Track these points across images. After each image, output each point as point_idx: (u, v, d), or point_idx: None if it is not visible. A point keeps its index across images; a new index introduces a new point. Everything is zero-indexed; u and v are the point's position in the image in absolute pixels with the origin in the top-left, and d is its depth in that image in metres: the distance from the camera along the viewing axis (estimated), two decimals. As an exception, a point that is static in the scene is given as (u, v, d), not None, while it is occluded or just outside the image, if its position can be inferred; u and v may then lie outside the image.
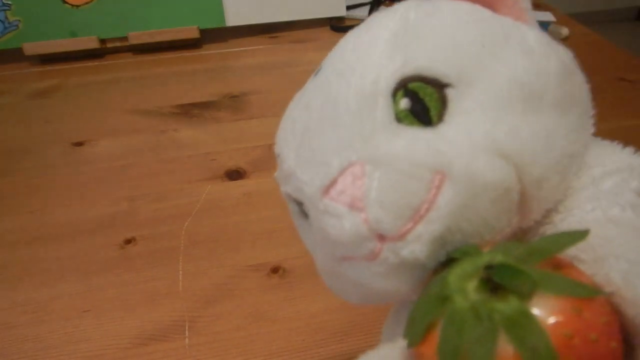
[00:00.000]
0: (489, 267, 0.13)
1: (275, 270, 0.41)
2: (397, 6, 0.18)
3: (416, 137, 0.15)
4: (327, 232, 0.16)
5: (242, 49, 0.79)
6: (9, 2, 0.73)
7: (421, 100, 0.16)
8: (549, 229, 0.17)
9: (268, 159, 0.54)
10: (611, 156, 0.18)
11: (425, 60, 0.16)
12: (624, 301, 0.13)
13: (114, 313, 0.38)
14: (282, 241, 0.44)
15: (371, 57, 0.17)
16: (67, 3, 0.75)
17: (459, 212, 0.15)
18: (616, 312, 0.13)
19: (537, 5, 0.91)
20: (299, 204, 0.19)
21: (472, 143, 0.15)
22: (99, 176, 0.53)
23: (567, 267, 0.14)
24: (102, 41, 0.77)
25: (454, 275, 0.14)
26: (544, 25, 0.79)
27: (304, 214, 0.19)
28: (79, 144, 0.58)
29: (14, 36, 0.75)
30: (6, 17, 0.74)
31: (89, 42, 0.76)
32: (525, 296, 0.12)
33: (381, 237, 0.15)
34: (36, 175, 0.53)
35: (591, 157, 0.18)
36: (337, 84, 0.17)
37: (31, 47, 0.75)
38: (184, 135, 0.59)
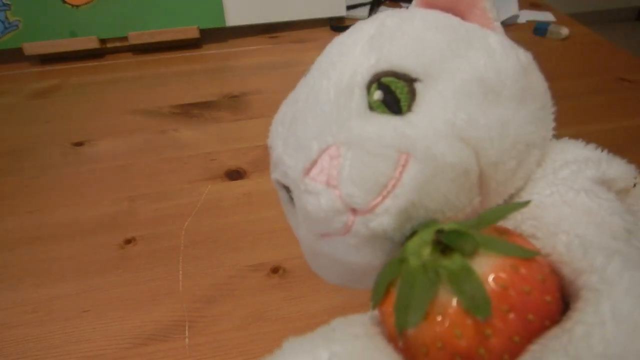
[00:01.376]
0: (439, 232, 0.15)
1: (275, 270, 0.41)
2: (377, 15, 0.21)
3: (386, 122, 0.17)
4: (307, 209, 0.18)
5: (242, 49, 0.79)
6: (9, 2, 0.73)
7: (392, 92, 0.18)
8: (513, 214, 0.18)
9: (268, 159, 0.54)
10: (572, 150, 0.20)
11: (397, 58, 0.18)
12: (564, 266, 0.15)
13: (114, 313, 0.38)
14: (282, 241, 0.44)
15: (350, 56, 0.19)
16: (67, 3, 0.75)
17: (422, 189, 0.16)
18: (556, 275, 0.15)
19: (537, 5, 0.91)
20: (288, 191, 0.21)
21: (435, 128, 0.17)
22: (99, 176, 0.53)
23: (512, 234, 0.16)
24: (102, 41, 0.77)
25: (412, 241, 0.16)
26: (544, 25, 0.79)
27: (292, 200, 0.21)
28: (79, 144, 0.58)
29: (14, 36, 0.75)
30: (6, 17, 0.74)
31: (89, 42, 0.76)
32: (468, 254, 0.14)
33: (353, 211, 0.17)
34: (36, 175, 0.53)
35: (555, 152, 0.20)
36: (319, 79, 0.20)
37: (31, 47, 0.75)
38: (184, 135, 0.59)
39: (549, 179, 0.19)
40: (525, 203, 0.17)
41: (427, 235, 0.16)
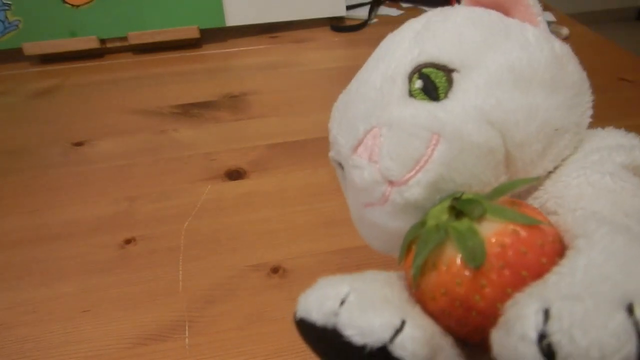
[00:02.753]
0: (455, 199, 0.17)
1: (275, 270, 0.41)
2: (427, 12, 0.23)
3: (422, 107, 0.19)
4: (353, 181, 0.21)
5: (242, 49, 0.79)
6: (9, 2, 0.73)
7: (432, 81, 0.20)
8: (541, 193, 0.20)
9: (268, 159, 0.54)
10: (609, 137, 0.22)
11: (437, 50, 0.20)
12: (566, 234, 0.17)
13: (114, 313, 0.38)
14: (282, 241, 0.44)
15: (397, 49, 0.22)
16: (67, 3, 0.75)
17: (450, 164, 0.18)
18: (561, 243, 0.17)
19: (537, 5, 0.91)
20: (342, 167, 0.23)
21: (465, 112, 0.19)
22: (99, 176, 0.53)
23: (523, 205, 0.18)
24: (102, 41, 0.77)
25: (434, 208, 0.18)
26: (544, 25, 0.79)
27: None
28: (79, 144, 0.58)
29: (14, 36, 0.75)
30: (6, 17, 0.74)
31: (89, 42, 0.76)
32: (476, 219, 0.17)
33: (391, 183, 0.19)
34: (36, 175, 0.53)
35: (593, 138, 0.21)
36: (370, 71, 0.22)
37: (31, 47, 0.75)
38: (184, 135, 0.59)
39: (580, 162, 0.20)
40: (534, 178, 0.19)
41: (447, 202, 0.18)
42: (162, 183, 0.51)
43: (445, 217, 0.17)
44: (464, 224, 0.17)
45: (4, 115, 0.65)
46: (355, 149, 0.21)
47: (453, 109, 0.19)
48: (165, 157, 0.55)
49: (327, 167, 0.53)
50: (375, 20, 0.88)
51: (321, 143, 0.56)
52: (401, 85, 0.20)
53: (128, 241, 0.44)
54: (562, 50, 0.21)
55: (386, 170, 0.19)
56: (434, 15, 0.22)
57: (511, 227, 0.16)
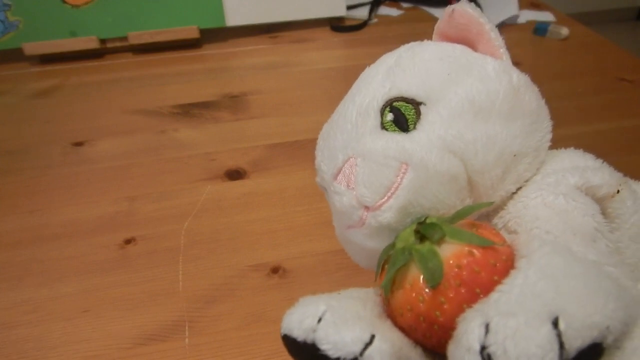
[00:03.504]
0: (420, 223, 0.19)
1: (275, 270, 0.41)
2: (399, 48, 0.25)
3: (391, 139, 0.21)
4: (334, 205, 0.23)
5: (242, 49, 0.79)
6: (9, 2, 0.73)
7: (402, 114, 0.22)
8: (504, 213, 0.22)
9: (268, 159, 0.54)
10: (566, 159, 0.23)
11: (406, 85, 0.22)
12: (517, 253, 0.18)
13: (114, 313, 0.38)
14: (282, 241, 0.44)
15: (371, 83, 0.24)
16: (67, 3, 0.75)
17: (417, 191, 0.20)
18: (513, 262, 0.18)
19: (537, 5, 0.91)
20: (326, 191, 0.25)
21: (429, 142, 0.21)
22: (99, 176, 0.53)
23: (482, 227, 0.19)
24: (102, 41, 0.77)
25: (403, 231, 0.20)
26: (544, 25, 0.79)
27: None
28: (79, 144, 0.58)
29: (14, 36, 0.75)
30: (6, 17, 0.74)
31: (89, 42, 0.76)
32: (436, 242, 0.18)
33: (366, 208, 0.21)
34: (36, 175, 0.53)
35: (553, 160, 0.23)
36: (348, 103, 0.24)
37: (31, 47, 0.75)
38: (184, 135, 0.59)
39: (537, 184, 0.22)
40: (488, 203, 0.22)
41: (413, 226, 0.20)
42: (162, 183, 0.51)
43: (411, 239, 0.19)
44: (425, 246, 0.19)
45: (4, 115, 0.65)
46: (335, 176, 0.23)
47: (420, 139, 0.21)
48: (165, 157, 0.55)
49: (327, 167, 0.53)
50: (375, 20, 0.88)
51: (321, 143, 0.56)
52: (374, 118, 0.22)
53: (128, 241, 0.44)
54: (520, 81, 0.23)
55: (362, 197, 0.21)
56: (404, 51, 0.24)
57: (467, 248, 0.18)
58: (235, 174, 0.52)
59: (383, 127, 0.22)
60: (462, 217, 0.20)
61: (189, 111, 0.63)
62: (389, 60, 0.24)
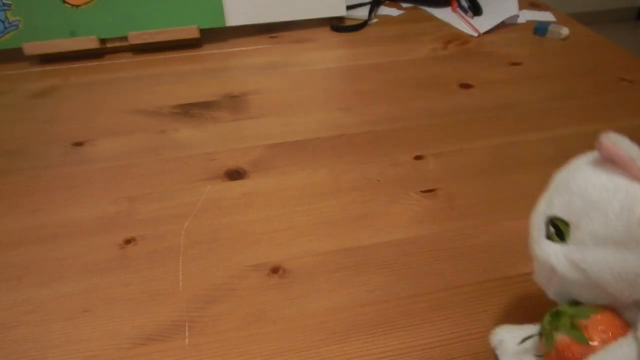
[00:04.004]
0: (556, 312, 0.28)
1: (275, 270, 0.41)
2: (566, 168, 0.30)
3: (548, 247, 0.28)
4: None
5: (242, 49, 0.79)
6: (9, 2, 0.73)
7: (560, 229, 0.27)
8: None
9: (268, 159, 0.54)
10: None
11: (559, 208, 0.28)
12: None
13: (114, 313, 0.38)
14: (282, 241, 0.44)
15: (542, 200, 0.29)
16: (67, 3, 0.75)
17: (563, 286, 0.28)
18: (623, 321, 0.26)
19: (537, 5, 0.91)
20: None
21: (564, 257, 0.27)
22: (99, 176, 0.53)
23: (598, 322, 0.26)
24: (102, 41, 0.77)
25: (552, 316, 0.29)
26: (544, 25, 0.79)
27: None
28: (79, 144, 0.58)
29: (14, 36, 0.75)
30: (6, 17, 0.74)
31: (89, 42, 0.76)
32: (574, 320, 0.27)
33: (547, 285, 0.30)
34: (36, 175, 0.53)
35: None
36: (533, 214, 0.30)
37: (31, 47, 0.75)
38: (184, 135, 0.59)
39: None
40: (596, 308, 0.27)
41: (562, 315, 0.28)
42: (162, 183, 0.51)
43: (558, 320, 0.28)
44: (565, 325, 0.27)
45: (4, 115, 0.65)
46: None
47: (557, 252, 0.28)
48: (165, 157, 0.55)
49: (327, 167, 0.53)
50: (375, 20, 0.88)
51: (321, 143, 0.56)
52: (542, 230, 0.29)
53: (128, 241, 0.44)
54: None
55: (541, 279, 0.30)
56: (566, 174, 0.29)
57: (568, 339, 0.26)
58: (235, 174, 0.52)
59: (548, 236, 0.28)
60: (583, 312, 0.27)
61: (189, 111, 0.63)
62: (555, 181, 0.29)
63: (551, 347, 0.27)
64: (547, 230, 0.28)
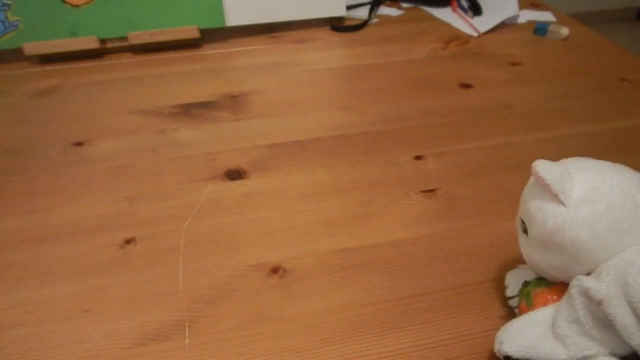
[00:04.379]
0: (526, 283, 0.36)
1: (275, 270, 0.41)
2: (529, 181, 0.34)
3: (520, 239, 0.35)
4: None
5: (242, 49, 0.79)
6: (9, 2, 0.73)
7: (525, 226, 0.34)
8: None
9: (268, 159, 0.54)
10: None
11: (522, 213, 0.34)
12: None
13: (114, 313, 0.38)
14: (282, 241, 0.44)
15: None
16: (67, 3, 0.75)
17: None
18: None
19: (537, 5, 0.91)
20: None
21: (524, 248, 0.35)
22: (99, 176, 0.53)
23: (556, 286, 0.34)
24: (102, 41, 0.77)
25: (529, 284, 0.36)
26: (544, 25, 0.79)
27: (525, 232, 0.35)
28: (79, 144, 0.58)
29: (14, 36, 0.75)
30: (6, 17, 0.74)
31: (89, 42, 0.76)
32: (530, 290, 0.35)
33: None
34: (36, 175, 0.53)
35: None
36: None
37: (31, 47, 0.75)
38: (184, 135, 0.59)
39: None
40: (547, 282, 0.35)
41: (526, 285, 0.35)
42: (162, 183, 0.51)
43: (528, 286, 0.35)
44: (526, 290, 0.35)
45: (4, 115, 0.65)
46: None
47: (523, 245, 0.35)
48: (165, 157, 0.55)
49: (327, 167, 0.53)
50: (375, 20, 0.88)
51: (321, 143, 0.56)
52: (521, 224, 0.34)
53: (128, 241, 0.44)
54: (556, 225, 0.31)
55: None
56: (526, 188, 0.34)
57: (546, 291, 0.34)
58: (235, 174, 0.52)
59: (524, 230, 0.34)
60: (537, 285, 0.34)
61: (189, 111, 0.63)
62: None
63: (518, 304, 0.35)
64: (522, 225, 0.34)
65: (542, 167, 0.31)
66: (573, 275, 0.31)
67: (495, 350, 0.32)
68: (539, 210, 0.31)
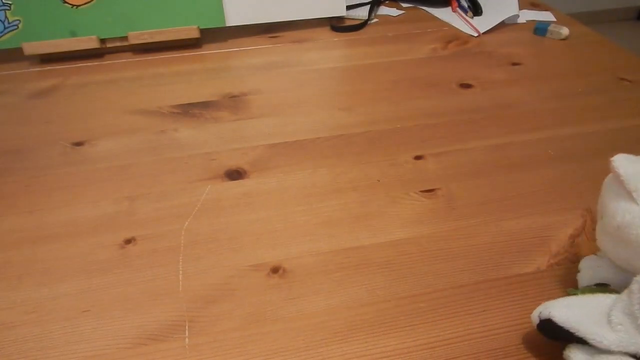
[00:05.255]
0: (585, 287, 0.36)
1: (275, 270, 0.41)
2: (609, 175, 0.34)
3: (598, 226, 0.35)
4: None
5: (242, 49, 0.79)
6: (9, 2, 0.73)
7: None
8: None
9: (268, 159, 0.54)
10: None
11: (598, 202, 0.35)
12: None
13: (114, 313, 0.38)
14: (282, 241, 0.44)
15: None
16: (67, 3, 0.75)
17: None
18: None
19: (537, 5, 0.91)
20: None
21: (598, 233, 0.35)
22: (99, 176, 0.53)
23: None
24: (102, 41, 0.77)
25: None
26: (544, 25, 0.79)
27: None
28: (79, 144, 0.58)
29: (14, 36, 0.75)
30: (6, 17, 0.74)
31: (89, 42, 0.76)
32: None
33: None
34: (36, 175, 0.53)
35: None
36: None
37: (31, 47, 0.75)
38: (184, 135, 0.59)
39: None
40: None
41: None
42: (162, 183, 0.51)
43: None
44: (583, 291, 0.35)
45: (4, 115, 0.65)
46: None
47: (597, 231, 0.35)
48: (165, 157, 0.55)
49: (327, 167, 0.53)
50: (375, 20, 0.88)
51: (321, 143, 0.56)
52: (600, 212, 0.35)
53: (128, 241, 0.44)
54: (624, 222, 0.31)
55: None
56: (606, 179, 0.34)
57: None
58: (235, 174, 0.52)
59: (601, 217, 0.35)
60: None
61: (189, 111, 0.63)
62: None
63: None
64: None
65: (620, 162, 0.30)
66: (638, 270, 0.31)
67: (535, 314, 0.32)
68: (611, 201, 0.32)
